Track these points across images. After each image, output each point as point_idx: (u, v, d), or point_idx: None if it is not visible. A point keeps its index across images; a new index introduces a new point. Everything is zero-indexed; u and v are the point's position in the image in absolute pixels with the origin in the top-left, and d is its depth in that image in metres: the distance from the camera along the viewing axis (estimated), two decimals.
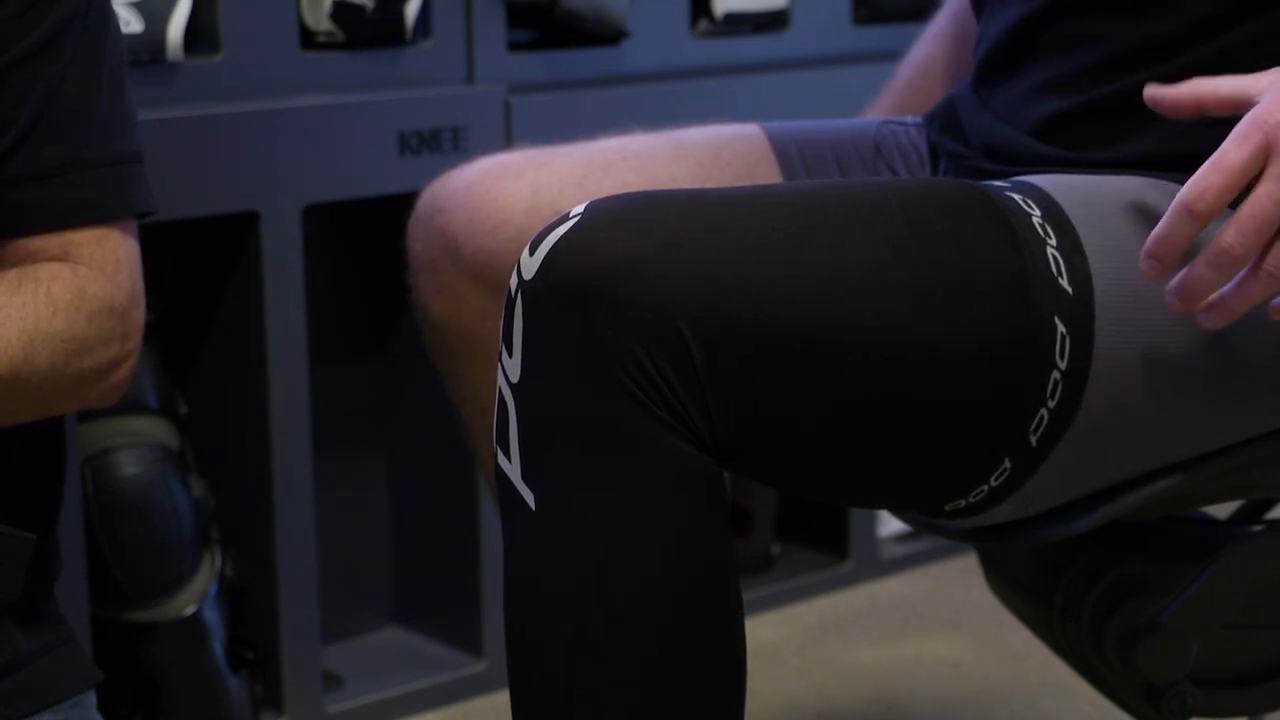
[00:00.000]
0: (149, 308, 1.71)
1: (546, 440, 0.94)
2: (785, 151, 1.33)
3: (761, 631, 2.08)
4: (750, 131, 1.34)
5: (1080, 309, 1.02)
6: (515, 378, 0.95)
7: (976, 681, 1.95)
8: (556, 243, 0.94)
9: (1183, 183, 1.10)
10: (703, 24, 2.02)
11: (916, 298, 0.97)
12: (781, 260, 0.95)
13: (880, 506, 1.14)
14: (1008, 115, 1.20)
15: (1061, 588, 1.24)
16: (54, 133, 1.14)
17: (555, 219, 0.96)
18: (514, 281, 0.95)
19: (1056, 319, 1.01)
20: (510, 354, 0.95)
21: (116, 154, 1.17)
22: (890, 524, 2.28)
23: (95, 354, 1.14)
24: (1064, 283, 1.02)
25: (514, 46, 1.88)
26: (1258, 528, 1.26)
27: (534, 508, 0.95)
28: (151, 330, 1.74)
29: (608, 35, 1.92)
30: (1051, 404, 1.02)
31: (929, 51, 1.48)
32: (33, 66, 1.13)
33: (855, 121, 1.38)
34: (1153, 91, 1.02)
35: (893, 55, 1.56)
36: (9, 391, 1.10)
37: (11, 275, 1.12)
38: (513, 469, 0.96)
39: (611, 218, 0.94)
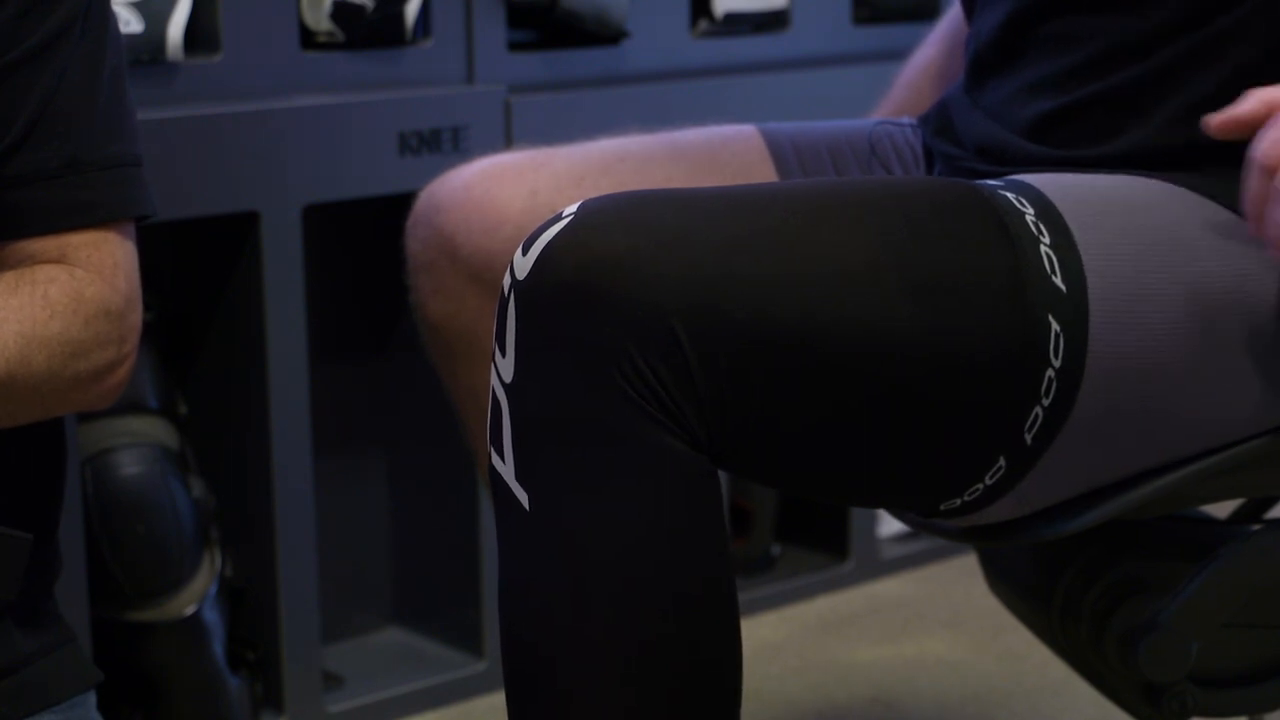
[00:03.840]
0: (148, 307, 1.71)
1: (540, 440, 0.94)
2: (781, 152, 1.33)
3: (761, 631, 2.08)
4: (746, 132, 1.34)
5: (1074, 307, 1.02)
6: (509, 378, 0.95)
7: (976, 681, 1.95)
8: (549, 242, 0.94)
9: (1172, 179, 1.10)
10: (703, 24, 2.02)
11: (910, 295, 0.97)
12: (774, 258, 0.95)
13: (875, 505, 1.14)
14: (998, 115, 1.21)
15: (1061, 588, 1.24)
16: (53, 134, 1.14)
17: (549, 219, 0.96)
18: (507, 281, 0.95)
19: (1050, 317, 1.01)
20: (504, 354, 0.95)
21: (115, 156, 1.17)
22: (890, 524, 2.28)
23: (92, 357, 1.14)
24: (1058, 281, 1.02)
25: (514, 46, 1.88)
26: (1257, 527, 1.26)
27: (528, 507, 0.95)
28: (151, 330, 1.74)
29: (608, 35, 1.92)
30: (1046, 402, 1.02)
31: (927, 55, 1.48)
32: (32, 68, 1.13)
33: (851, 122, 1.39)
34: (1213, 121, 1.02)
35: (893, 55, 1.57)
36: (5, 394, 1.10)
37: (9, 278, 1.12)
38: (507, 469, 0.96)
39: (604, 217, 0.94)
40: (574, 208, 0.96)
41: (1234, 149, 1.11)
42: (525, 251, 0.95)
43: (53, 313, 1.12)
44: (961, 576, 2.21)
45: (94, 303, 1.14)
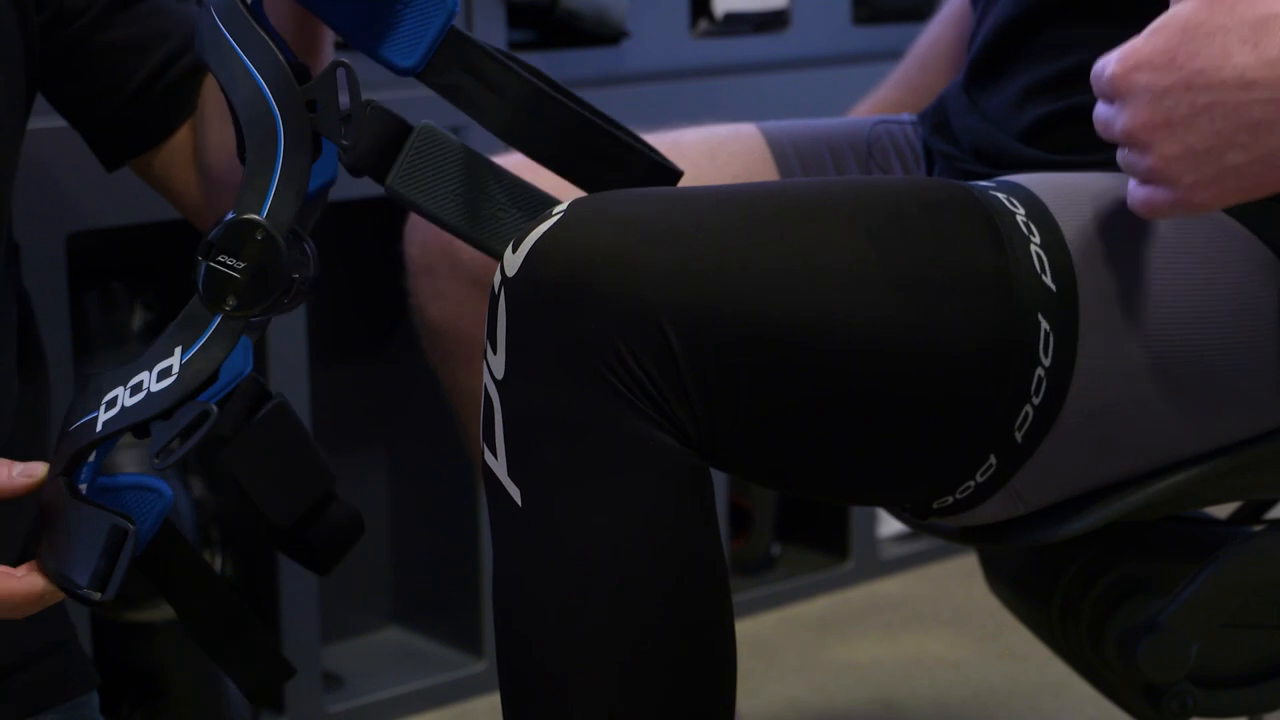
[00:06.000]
0: (148, 307, 1.71)
1: (531, 436, 0.94)
2: (782, 151, 1.33)
3: (761, 631, 2.08)
4: (746, 131, 1.34)
5: (1064, 306, 1.02)
6: (499, 374, 0.95)
7: (976, 681, 1.95)
8: (538, 239, 0.94)
9: None
10: (703, 24, 2.02)
11: (899, 293, 0.97)
12: (763, 255, 0.95)
13: (866, 502, 1.14)
14: (995, 118, 1.21)
15: (1061, 588, 1.24)
16: None
17: (539, 216, 0.96)
18: (498, 278, 0.96)
19: (1040, 315, 1.01)
20: (495, 351, 0.95)
21: None
22: (890, 524, 2.28)
23: None
24: (1047, 280, 1.01)
25: (514, 46, 1.88)
26: (1258, 528, 1.26)
27: (520, 504, 0.95)
28: (151, 330, 1.74)
29: (608, 35, 1.92)
30: (1036, 400, 1.01)
31: (938, 32, 1.48)
32: None
33: (850, 120, 1.38)
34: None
35: (893, 55, 1.57)
36: None
37: None
38: (499, 465, 0.96)
39: (593, 214, 0.94)
40: (564, 205, 0.96)
41: None
42: (515, 248, 0.95)
43: None
44: (961, 576, 2.21)
45: None
